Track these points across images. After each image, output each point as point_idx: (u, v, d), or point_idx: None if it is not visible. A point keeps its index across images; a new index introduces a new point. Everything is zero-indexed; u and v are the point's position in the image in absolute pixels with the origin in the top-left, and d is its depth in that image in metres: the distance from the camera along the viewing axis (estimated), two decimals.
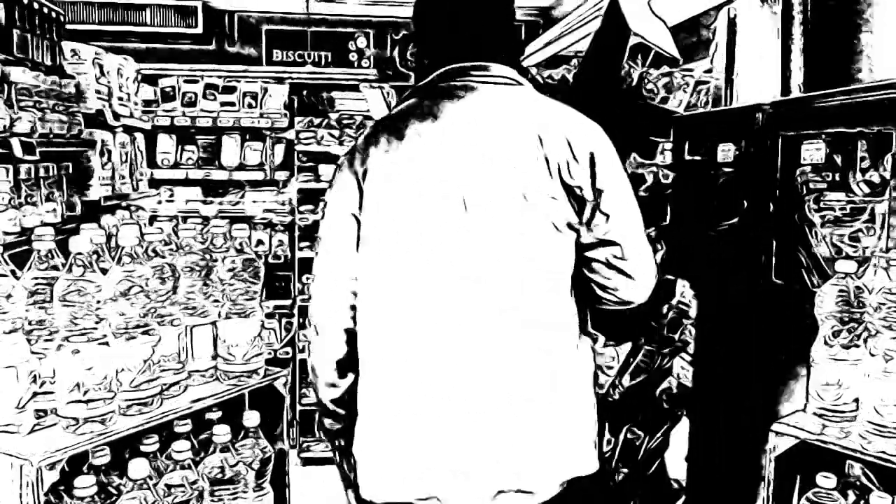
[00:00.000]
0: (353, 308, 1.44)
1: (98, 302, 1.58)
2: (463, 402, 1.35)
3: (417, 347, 1.38)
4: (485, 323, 1.35)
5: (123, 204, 3.70)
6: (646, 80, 2.70)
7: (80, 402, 1.56)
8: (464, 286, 1.35)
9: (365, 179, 1.41)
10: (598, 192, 1.38)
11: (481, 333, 1.35)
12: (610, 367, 2.70)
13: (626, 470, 2.69)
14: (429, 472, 1.37)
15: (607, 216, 1.39)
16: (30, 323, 1.58)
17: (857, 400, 1.50)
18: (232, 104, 5.06)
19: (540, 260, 1.36)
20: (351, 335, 1.46)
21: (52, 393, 1.58)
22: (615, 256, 1.42)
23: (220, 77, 5.11)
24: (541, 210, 1.35)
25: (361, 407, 1.45)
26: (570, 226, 1.38)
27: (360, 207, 1.41)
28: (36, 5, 2.89)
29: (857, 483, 1.49)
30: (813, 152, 1.76)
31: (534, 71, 2.93)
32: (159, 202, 4.87)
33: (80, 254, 1.57)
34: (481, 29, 1.44)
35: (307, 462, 4.56)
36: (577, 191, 1.37)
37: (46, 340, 1.58)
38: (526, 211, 1.35)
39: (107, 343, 1.59)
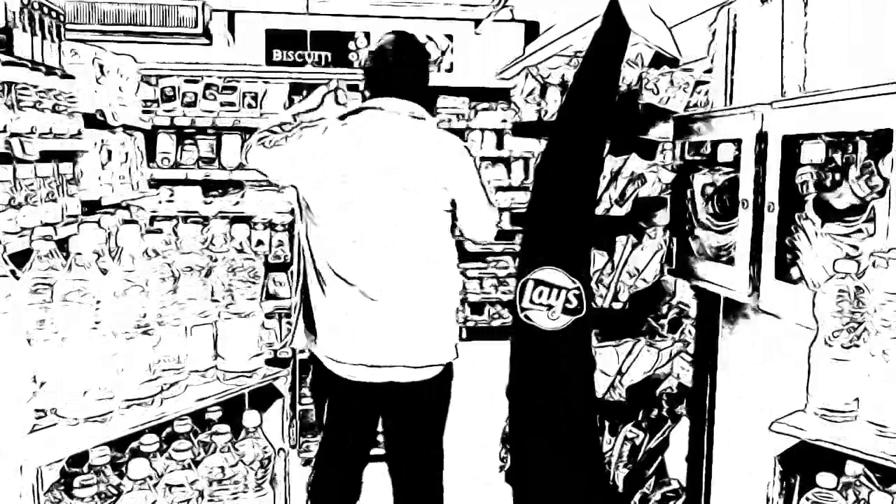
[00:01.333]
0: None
1: (98, 302, 1.58)
2: (381, 311, 2.13)
3: (351, 274, 2.13)
4: (395, 259, 2.14)
5: (123, 204, 3.70)
6: (645, 80, 2.70)
7: (80, 401, 1.56)
8: (384, 232, 2.13)
9: (322, 146, 2.18)
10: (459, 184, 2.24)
11: (395, 266, 2.14)
12: (610, 368, 2.70)
13: (626, 470, 2.69)
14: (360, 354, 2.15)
15: (462, 198, 2.24)
16: (30, 323, 1.58)
17: (857, 400, 1.50)
18: (232, 104, 5.06)
19: (428, 217, 2.19)
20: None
21: (52, 393, 1.58)
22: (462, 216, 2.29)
23: (220, 77, 5.11)
24: (437, 194, 2.18)
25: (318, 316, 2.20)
26: (450, 202, 2.22)
27: (311, 158, 2.18)
28: (36, 5, 2.89)
29: (858, 483, 1.49)
30: (813, 152, 1.76)
31: (534, 71, 2.93)
32: (160, 202, 4.87)
33: (80, 254, 1.57)
34: (404, 79, 2.24)
35: (307, 462, 4.56)
36: (452, 183, 2.20)
37: (46, 340, 1.58)
38: (431, 194, 2.18)
39: (107, 343, 1.59)
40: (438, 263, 2.22)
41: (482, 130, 6.67)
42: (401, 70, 2.24)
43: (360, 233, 2.14)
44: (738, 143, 2.04)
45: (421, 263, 2.17)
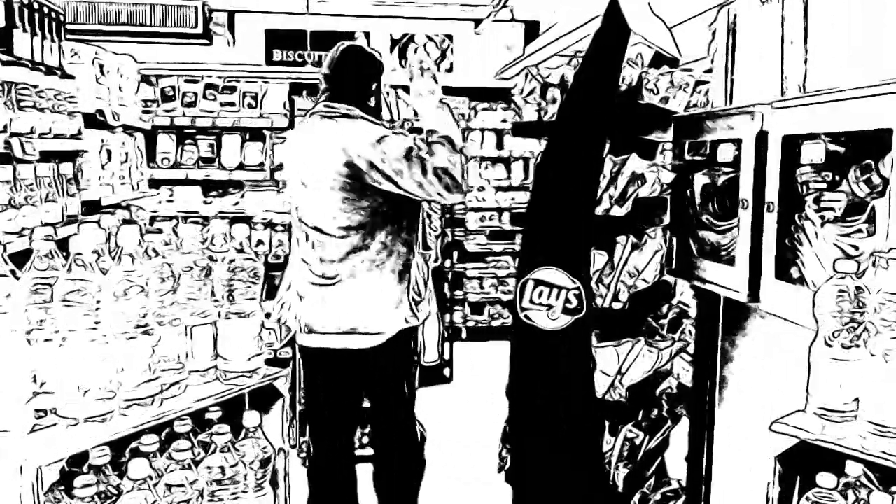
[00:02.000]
0: None
1: (98, 302, 1.58)
2: (330, 286, 2.50)
3: (306, 252, 2.54)
4: (335, 248, 2.49)
5: (123, 204, 3.70)
6: (645, 80, 2.70)
7: (80, 401, 1.56)
8: (322, 226, 2.49)
9: (285, 149, 2.68)
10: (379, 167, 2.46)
11: (336, 245, 2.48)
12: (610, 368, 2.70)
13: (626, 470, 2.69)
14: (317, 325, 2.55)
15: (387, 181, 2.43)
16: (30, 323, 1.58)
17: (857, 400, 1.50)
18: (232, 104, 5.06)
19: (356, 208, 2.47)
20: None
21: (52, 393, 1.57)
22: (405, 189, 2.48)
23: (220, 77, 5.11)
24: (356, 187, 2.43)
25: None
26: (378, 189, 2.43)
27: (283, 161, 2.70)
28: (36, 5, 2.89)
29: (858, 483, 1.48)
30: (813, 152, 1.76)
31: (534, 71, 2.92)
32: (160, 202, 4.87)
33: (79, 254, 1.57)
34: (343, 85, 2.59)
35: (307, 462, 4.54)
36: (367, 174, 2.41)
37: (46, 340, 1.58)
38: (351, 183, 2.44)
39: (107, 343, 1.59)
40: (378, 251, 2.48)
41: (482, 130, 6.68)
42: (336, 76, 2.61)
43: (306, 228, 2.54)
44: (738, 143, 2.04)
45: (357, 252, 2.47)
